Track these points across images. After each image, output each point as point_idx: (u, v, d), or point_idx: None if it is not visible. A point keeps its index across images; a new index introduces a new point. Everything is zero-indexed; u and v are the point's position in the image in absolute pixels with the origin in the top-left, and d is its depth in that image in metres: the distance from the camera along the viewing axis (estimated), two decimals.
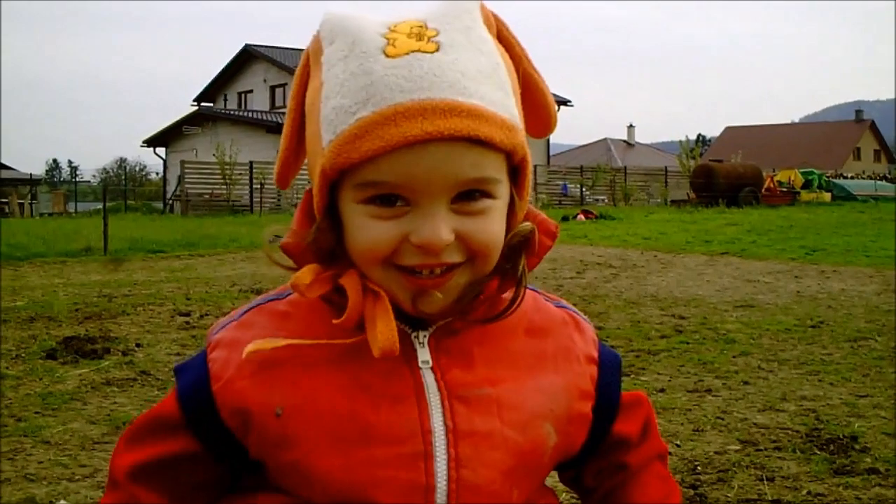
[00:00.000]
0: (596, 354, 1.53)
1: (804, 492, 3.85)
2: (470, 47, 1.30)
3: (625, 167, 59.20)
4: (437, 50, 1.27)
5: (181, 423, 1.43)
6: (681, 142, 56.30)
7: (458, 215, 1.29)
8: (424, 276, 1.30)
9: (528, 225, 1.40)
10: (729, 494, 3.82)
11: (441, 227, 1.27)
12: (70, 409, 5.42)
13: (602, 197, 51.87)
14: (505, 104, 1.30)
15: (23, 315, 9.22)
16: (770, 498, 3.75)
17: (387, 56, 1.26)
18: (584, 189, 51.92)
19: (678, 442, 4.61)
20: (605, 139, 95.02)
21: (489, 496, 1.36)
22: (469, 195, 1.29)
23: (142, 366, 6.63)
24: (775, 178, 43.37)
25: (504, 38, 1.40)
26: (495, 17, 1.39)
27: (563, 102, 67.42)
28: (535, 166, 52.88)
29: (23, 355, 7.07)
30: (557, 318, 1.53)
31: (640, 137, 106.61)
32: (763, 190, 40.31)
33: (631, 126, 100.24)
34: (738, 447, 4.52)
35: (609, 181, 53.22)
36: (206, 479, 1.46)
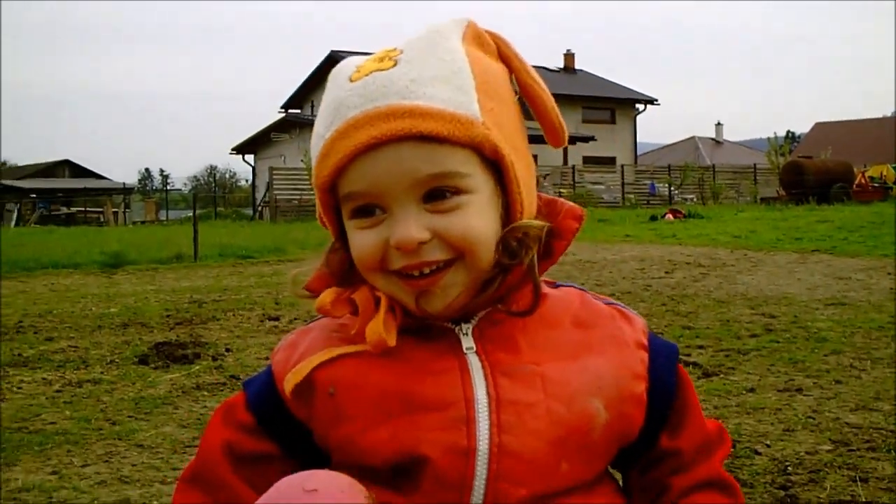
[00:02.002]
0: (646, 341, 1.55)
1: None
2: (430, 58, 1.39)
3: (713, 165, 58.62)
4: (395, 66, 1.38)
5: (254, 426, 1.52)
6: (770, 139, 55.50)
7: (432, 214, 1.37)
8: (417, 278, 1.38)
9: (536, 222, 1.44)
10: (821, 496, 3.75)
11: (411, 225, 1.35)
12: (162, 413, 5.51)
13: (691, 196, 51.41)
14: (460, 101, 1.37)
15: (116, 321, 9.40)
16: (863, 500, 3.68)
17: (350, 81, 1.40)
18: (672, 188, 51.49)
19: (768, 442, 4.54)
20: (692, 137, 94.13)
21: (532, 463, 1.39)
22: (439, 194, 1.37)
23: (231, 370, 6.71)
24: (867, 174, 42.59)
25: (502, 53, 1.49)
26: (491, 34, 1.49)
27: (649, 101, 67.08)
28: (623, 166, 52.79)
29: (116, 360, 7.20)
30: (605, 313, 1.56)
31: (729, 135, 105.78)
32: (854, 186, 39.63)
33: (719, 124, 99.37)
34: (829, 447, 4.44)
35: (697, 180, 52.72)
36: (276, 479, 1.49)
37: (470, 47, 1.44)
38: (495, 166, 1.40)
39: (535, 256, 1.44)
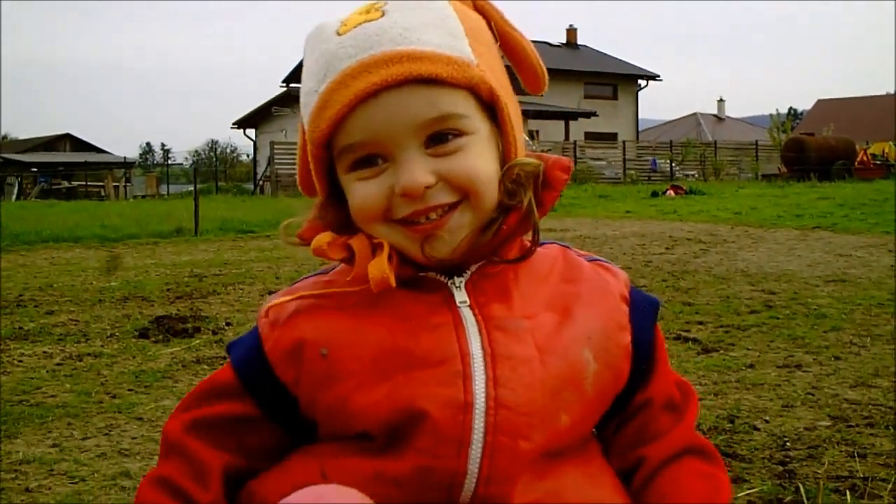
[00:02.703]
0: (628, 294, 1.56)
1: None
2: (416, 7, 1.40)
3: (715, 142, 58.49)
4: (382, 16, 1.38)
5: (238, 388, 1.51)
6: (772, 115, 55.48)
7: (436, 158, 1.37)
8: (423, 223, 1.38)
9: (530, 160, 1.45)
10: (819, 471, 3.76)
11: (416, 170, 1.35)
12: (162, 386, 5.52)
13: (692, 172, 51.32)
14: (453, 45, 1.38)
15: (117, 295, 9.41)
16: (861, 475, 3.68)
17: (338, 35, 1.39)
18: (673, 164, 51.41)
19: (767, 418, 4.55)
20: (694, 114, 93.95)
21: (531, 415, 1.39)
22: (441, 137, 1.37)
23: None
24: (868, 151, 42.47)
25: (478, 5, 1.50)
26: None
27: (652, 77, 66.97)
28: (624, 142, 52.73)
29: (117, 334, 7.22)
30: (589, 267, 1.57)
31: (731, 111, 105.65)
32: (856, 163, 39.55)
33: (721, 100, 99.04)
34: (828, 423, 4.45)
35: (699, 156, 52.63)
36: (262, 446, 1.51)
37: (452, 1, 1.45)
38: (490, 108, 1.42)
39: (533, 196, 1.45)
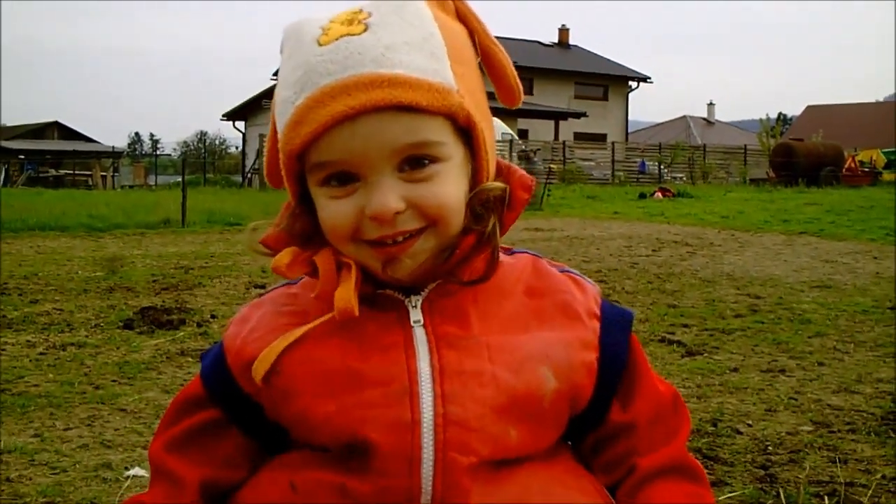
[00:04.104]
0: (598, 310, 1.53)
1: (878, 475, 3.78)
2: (399, 22, 1.37)
3: (704, 145, 58.52)
4: (365, 30, 1.35)
5: (205, 398, 1.53)
6: (761, 120, 55.59)
7: (408, 183, 1.35)
8: (389, 245, 1.37)
9: (497, 184, 1.44)
10: (800, 476, 3.78)
11: (388, 195, 1.33)
12: (146, 378, 5.51)
13: (680, 175, 51.37)
14: (435, 69, 1.35)
15: (102, 285, 9.39)
16: (842, 480, 3.69)
17: (319, 45, 1.36)
18: (662, 167, 51.45)
19: (750, 422, 4.56)
20: (684, 116, 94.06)
21: (480, 431, 1.38)
22: (415, 162, 1.35)
23: (216, 337, 6.70)
24: (857, 158, 42.61)
25: (461, 14, 1.47)
26: None
27: (642, 79, 67.10)
28: (613, 143, 52.77)
29: (101, 324, 7.20)
30: (558, 280, 1.54)
31: (721, 115, 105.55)
32: (844, 170, 39.65)
33: (711, 104, 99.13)
34: (810, 428, 4.47)
35: (688, 159, 52.69)
36: (236, 454, 1.53)
37: (435, 10, 1.42)
38: (465, 132, 1.40)
39: (497, 219, 1.44)
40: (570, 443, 1.56)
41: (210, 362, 1.55)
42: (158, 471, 1.53)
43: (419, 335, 1.42)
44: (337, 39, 1.35)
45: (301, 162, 1.39)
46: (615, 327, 1.53)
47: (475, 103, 1.40)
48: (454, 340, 1.42)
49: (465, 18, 1.47)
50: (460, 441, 1.37)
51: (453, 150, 1.38)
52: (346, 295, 1.38)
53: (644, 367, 1.57)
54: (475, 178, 1.43)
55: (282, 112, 1.39)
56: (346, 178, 1.36)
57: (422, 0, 1.42)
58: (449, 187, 1.37)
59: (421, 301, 1.45)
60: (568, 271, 1.59)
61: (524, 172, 1.51)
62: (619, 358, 1.53)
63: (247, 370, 1.45)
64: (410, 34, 1.36)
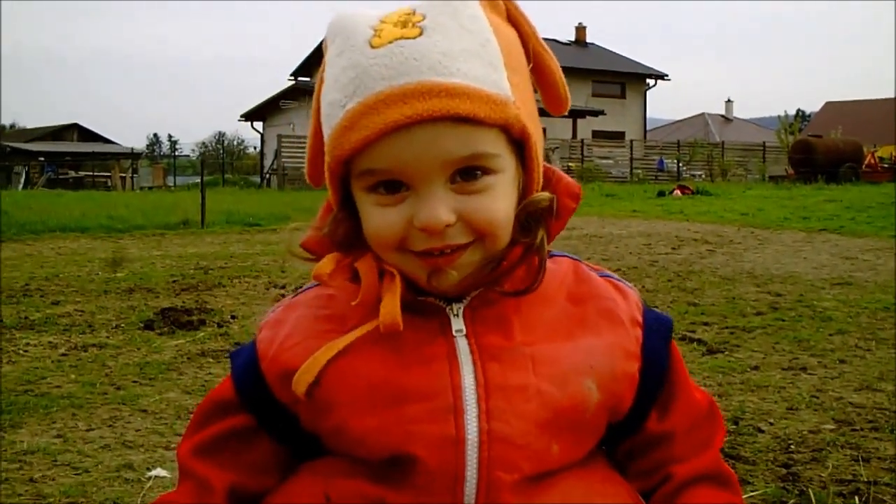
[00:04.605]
0: (640, 317, 1.50)
1: None
2: (456, 27, 1.31)
3: (722, 142, 58.50)
4: (421, 34, 1.30)
5: (237, 403, 1.50)
6: (780, 117, 55.38)
7: (459, 195, 1.32)
8: (436, 256, 1.33)
9: (544, 195, 1.40)
10: (823, 474, 3.76)
11: (439, 208, 1.29)
12: (166, 378, 5.53)
13: (699, 172, 51.33)
14: (493, 79, 1.31)
15: (122, 286, 9.42)
16: (865, 479, 3.68)
17: (372, 47, 1.30)
18: (680, 164, 51.37)
19: (771, 420, 4.54)
20: (702, 114, 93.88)
21: (524, 448, 1.36)
22: (468, 173, 1.31)
23: (236, 337, 6.73)
24: (876, 154, 42.45)
25: (512, 17, 1.42)
26: None
27: (660, 77, 66.87)
28: (632, 141, 52.67)
29: (122, 325, 7.23)
30: (599, 285, 1.51)
31: (739, 112, 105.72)
32: (863, 166, 39.52)
33: (729, 101, 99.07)
34: (832, 427, 4.44)
35: (706, 156, 52.62)
36: (267, 461, 1.51)
37: (490, 14, 1.36)
38: (518, 144, 1.36)
39: (545, 231, 1.41)
40: (604, 447, 1.54)
41: (242, 367, 1.51)
42: (186, 473, 1.51)
43: (462, 346, 1.39)
44: (391, 42, 1.30)
45: (347, 166, 1.34)
46: (656, 335, 1.51)
47: (529, 114, 1.36)
48: (498, 352, 1.39)
49: (516, 22, 1.42)
50: (505, 458, 1.35)
51: (506, 163, 1.34)
52: (392, 309, 1.34)
53: (683, 376, 1.55)
54: (525, 189, 1.39)
55: (330, 114, 1.34)
56: (395, 185, 1.32)
57: (477, 2, 1.37)
58: (500, 201, 1.34)
59: (463, 309, 1.42)
60: (608, 276, 1.56)
61: (570, 180, 1.47)
62: (660, 367, 1.51)
63: (283, 378, 1.42)
64: (467, 41, 1.31)
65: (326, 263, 1.40)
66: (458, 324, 1.41)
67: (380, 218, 1.33)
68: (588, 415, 1.41)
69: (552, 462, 1.39)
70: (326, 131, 1.35)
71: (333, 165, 1.34)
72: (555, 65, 1.46)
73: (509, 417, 1.36)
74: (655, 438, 1.52)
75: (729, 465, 3.73)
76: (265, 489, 1.50)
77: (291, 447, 1.50)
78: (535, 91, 1.46)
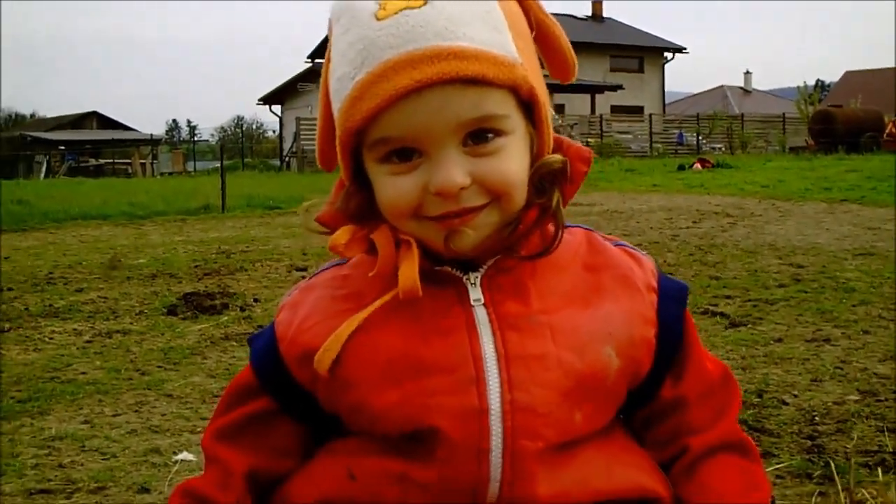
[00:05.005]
0: (655, 283, 1.51)
1: None
2: None
3: (742, 114, 58.17)
4: (425, 4, 1.31)
5: (258, 387, 1.51)
6: (799, 88, 55.03)
7: (472, 157, 1.32)
8: (453, 218, 1.33)
9: (557, 157, 1.42)
10: (848, 445, 3.76)
11: (453, 170, 1.30)
12: (190, 363, 5.56)
13: (719, 145, 51.09)
14: (499, 42, 1.33)
15: (145, 272, 9.47)
16: (891, 449, 3.67)
17: (377, 19, 1.31)
18: (700, 137, 51.16)
19: (796, 392, 4.54)
20: (721, 86, 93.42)
21: (546, 416, 1.36)
22: (479, 136, 1.32)
23: (259, 320, 6.76)
24: None
25: None
26: None
27: (678, 50, 66.56)
28: (651, 115, 52.46)
29: (145, 311, 7.27)
30: (614, 254, 1.52)
31: (758, 84, 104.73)
32: (884, 135, 39.24)
33: (748, 72, 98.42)
34: (857, 397, 4.44)
35: (726, 129, 52.37)
36: (287, 444, 1.52)
37: None
38: (527, 106, 1.37)
39: (560, 193, 1.42)
40: (621, 416, 1.54)
41: (261, 350, 1.52)
42: (209, 459, 1.53)
43: (481, 316, 1.40)
44: (396, 13, 1.31)
45: (358, 138, 1.35)
46: (672, 301, 1.51)
47: (535, 76, 1.38)
48: (516, 321, 1.40)
49: None
50: (528, 427, 1.35)
51: (517, 124, 1.36)
52: (411, 274, 1.35)
53: (696, 343, 1.55)
54: (536, 151, 1.40)
55: (339, 89, 1.35)
56: (407, 153, 1.33)
57: None
58: (513, 162, 1.35)
59: (480, 278, 1.42)
60: (621, 244, 1.56)
61: (580, 145, 1.49)
62: (675, 332, 1.51)
63: (303, 360, 1.43)
64: (472, 7, 1.33)
65: (342, 234, 1.40)
66: (475, 293, 1.41)
67: (394, 187, 1.34)
68: (609, 382, 1.42)
69: (576, 430, 1.40)
70: (336, 106, 1.37)
71: (345, 138, 1.35)
72: (559, 30, 1.47)
73: (530, 386, 1.36)
74: (670, 405, 1.52)
75: (754, 437, 3.74)
76: (287, 471, 1.51)
77: (314, 428, 1.51)
78: (541, 62, 1.47)
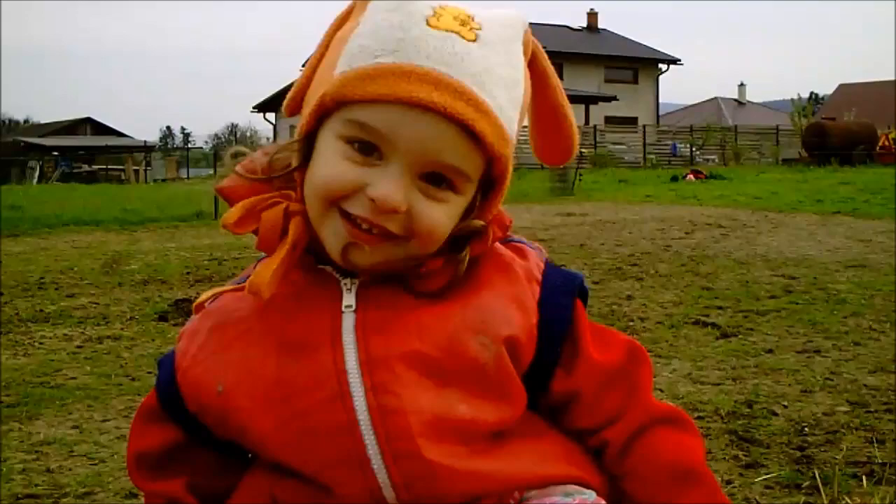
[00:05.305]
0: (539, 274, 1.51)
1: None
2: (504, 53, 1.37)
3: (735, 126, 58.27)
4: (475, 41, 1.34)
5: (163, 413, 1.53)
6: (793, 100, 55.20)
7: (420, 193, 1.33)
8: (363, 229, 1.33)
9: (478, 222, 1.43)
10: (837, 457, 3.75)
11: (399, 192, 1.31)
12: None
13: (712, 156, 51.25)
14: (509, 115, 1.37)
15: (136, 278, 9.44)
16: (880, 461, 3.67)
17: (428, 24, 1.33)
18: (693, 149, 51.28)
19: (786, 403, 4.54)
20: (715, 98, 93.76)
21: (419, 414, 1.35)
22: (439, 179, 1.34)
23: None
24: (890, 136, 42.26)
25: (539, 65, 1.48)
26: (535, 44, 1.46)
27: (672, 61, 66.81)
28: (644, 126, 52.59)
29: (137, 317, 7.25)
30: (498, 248, 1.52)
31: (752, 96, 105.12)
32: (878, 148, 39.40)
33: (742, 84, 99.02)
34: (847, 409, 4.44)
35: (719, 140, 52.49)
36: (215, 465, 1.54)
37: (522, 55, 1.43)
38: (489, 182, 1.41)
39: (469, 251, 1.43)
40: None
41: (165, 378, 1.53)
42: (147, 494, 1.54)
43: (347, 324, 1.40)
44: (447, 31, 1.33)
45: (339, 107, 1.34)
46: (557, 290, 1.51)
47: (512, 156, 1.40)
48: (381, 324, 1.39)
49: (541, 72, 1.48)
50: (402, 429, 1.35)
51: (471, 190, 1.39)
52: (264, 273, 1.37)
53: (585, 335, 1.53)
54: (474, 215, 1.43)
55: (355, 55, 1.34)
56: (370, 149, 1.33)
57: (520, 43, 1.42)
58: (446, 219, 1.37)
59: (357, 286, 1.42)
60: (512, 240, 1.56)
61: (503, 212, 1.49)
62: (558, 323, 1.49)
63: (192, 393, 1.45)
64: (507, 72, 1.37)
65: (235, 211, 1.40)
66: (348, 299, 1.41)
67: (338, 168, 1.34)
68: (489, 371, 1.40)
69: (467, 422, 1.38)
70: (342, 67, 1.34)
71: (329, 102, 1.34)
72: (573, 117, 1.51)
73: (397, 388, 1.36)
74: (566, 397, 1.51)
75: (743, 448, 3.76)
76: (228, 489, 1.51)
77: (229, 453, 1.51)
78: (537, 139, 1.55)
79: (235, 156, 1.49)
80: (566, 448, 1.49)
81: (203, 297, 1.54)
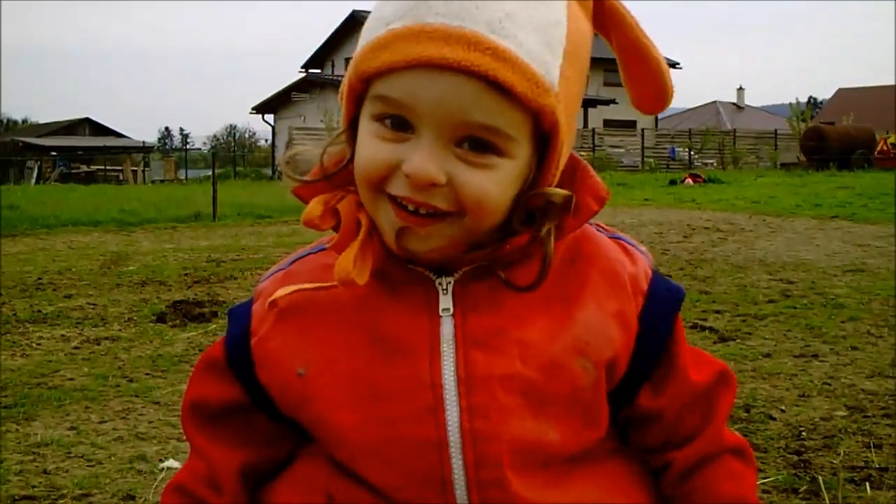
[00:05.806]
0: (646, 285, 1.39)
1: None
2: None
3: (734, 130, 58.27)
4: None
5: (228, 369, 1.42)
6: (791, 104, 55.18)
7: (460, 161, 1.21)
8: (409, 212, 1.23)
9: (557, 191, 1.28)
10: (834, 461, 3.76)
11: (432, 163, 1.19)
12: (178, 370, 5.55)
13: (711, 160, 51.22)
14: (545, 60, 1.20)
15: (135, 279, 9.45)
16: (877, 465, 3.68)
17: None
18: (692, 152, 51.26)
19: (783, 407, 4.55)
20: (714, 102, 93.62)
21: (511, 442, 1.28)
22: (478, 144, 1.21)
23: None
24: (888, 141, 42.25)
25: (611, 6, 1.32)
26: None
27: (671, 65, 65.60)
28: (643, 130, 52.51)
29: (134, 318, 7.25)
30: (606, 246, 1.40)
31: (750, 100, 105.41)
32: (876, 153, 39.40)
33: (741, 88, 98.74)
34: (844, 413, 4.44)
35: (718, 144, 52.49)
36: (270, 433, 1.44)
37: (573, 1, 1.27)
38: (542, 137, 1.25)
39: (553, 228, 1.29)
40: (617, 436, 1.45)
41: (235, 334, 1.42)
42: (194, 448, 1.45)
43: (446, 332, 1.30)
44: None
45: (367, 86, 1.25)
46: (661, 306, 1.40)
47: (567, 112, 1.26)
48: (483, 337, 1.30)
49: (613, 8, 1.31)
50: (492, 456, 1.28)
51: (521, 151, 1.24)
52: (346, 264, 1.26)
53: (681, 353, 1.44)
54: (536, 183, 1.28)
55: (371, 28, 1.25)
56: (402, 123, 1.22)
57: None
58: (496, 185, 1.23)
59: (453, 284, 1.32)
60: (619, 237, 1.45)
61: (598, 181, 1.36)
62: (657, 340, 1.40)
63: (267, 364, 1.36)
64: (536, 12, 1.21)
65: (315, 206, 1.31)
66: (445, 302, 1.31)
67: (372, 149, 1.24)
68: (587, 394, 1.33)
69: (554, 449, 1.32)
70: (361, 43, 1.26)
71: (355, 81, 1.26)
72: (659, 55, 1.35)
73: (492, 413, 1.28)
74: (648, 415, 1.42)
75: None
76: (280, 460, 1.44)
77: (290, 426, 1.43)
78: (623, 87, 1.37)
79: (292, 159, 1.38)
80: (630, 471, 1.43)
81: (279, 293, 1.38)
